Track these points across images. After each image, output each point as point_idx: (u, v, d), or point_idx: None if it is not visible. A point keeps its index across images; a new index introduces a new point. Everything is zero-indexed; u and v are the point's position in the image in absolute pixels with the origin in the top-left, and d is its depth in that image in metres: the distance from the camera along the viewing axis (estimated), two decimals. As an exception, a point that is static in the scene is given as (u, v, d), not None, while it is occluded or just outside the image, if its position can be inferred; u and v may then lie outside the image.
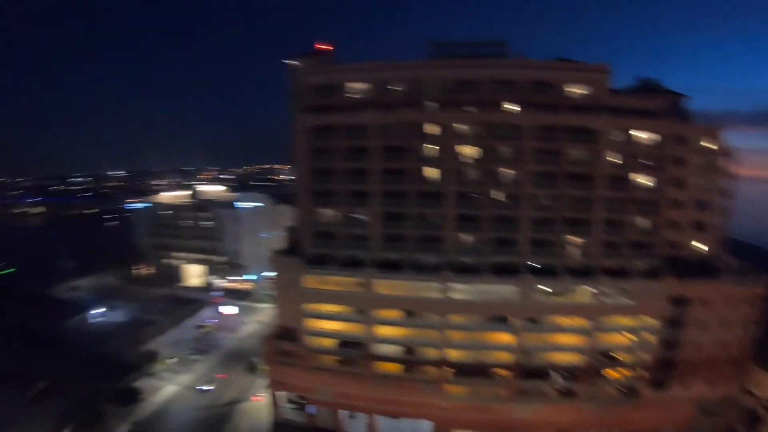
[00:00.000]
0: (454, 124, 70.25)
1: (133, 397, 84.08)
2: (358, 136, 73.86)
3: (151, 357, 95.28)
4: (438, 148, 71.31)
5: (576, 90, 71.36)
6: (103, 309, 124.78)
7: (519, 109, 69.76)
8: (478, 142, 70.21)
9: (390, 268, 73.48)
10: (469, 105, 70.55)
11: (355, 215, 77.62)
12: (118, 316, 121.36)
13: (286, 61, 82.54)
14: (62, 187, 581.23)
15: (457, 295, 70.48)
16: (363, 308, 74.69)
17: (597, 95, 70.62)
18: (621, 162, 70.01)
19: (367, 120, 72.83)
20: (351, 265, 75.72)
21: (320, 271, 76.80)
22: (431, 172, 72.41)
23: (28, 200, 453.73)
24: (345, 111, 74.92)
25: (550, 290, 70.47)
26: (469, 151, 70.90)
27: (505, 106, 70.89)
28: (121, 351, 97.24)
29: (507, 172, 70.91)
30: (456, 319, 71.41)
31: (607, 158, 69.64)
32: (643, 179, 70.95)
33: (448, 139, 70.31)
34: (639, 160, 70.18)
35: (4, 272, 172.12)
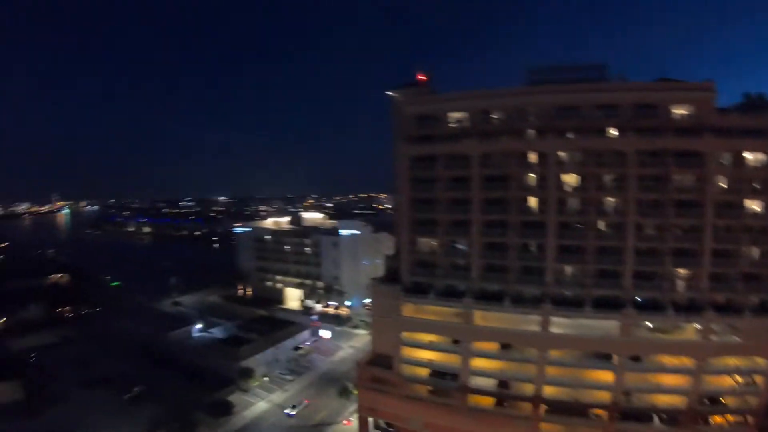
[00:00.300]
0: (555, 152, 71.61)
1: (225, 409, 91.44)
2: (459, 165, 77.08)
3: (246, 374, 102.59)
4: (539, 176, 72.95)
5: (680, 111, 69.96)
6: (204, 325, 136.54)
7: (621, 133, 69.76)
8: (580, 169, 71.31)
9: (489, 299, 75.28)
10: (570, 131, 71.63)
11: (454, 245, 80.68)
12: (218, 332, 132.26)
13: (388, 92, 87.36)
14: (171, 210, 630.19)
15: (556, 329, 70.86)
16: (459, 339, 76.70)
17: (703, 115, 68.62)
18: (731, 187, 67.95)
19: (467, 149, 76.06)
20: (449, 294, 78.26)
21: (418, 300, 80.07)
22: (532, 202, 74.14)
23: (139, 220, 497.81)
24: (445, 140, 78.53)
25: (653, 326, 69.42)
26: (570, 179, 72.11)
27: (607, 131, 71.15)
28: (217, 365, 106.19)
29: (610, 200, 71.09)
30: (554, 353, 71.68)
31: (716, 183, 67.81)
32: (755, 205, 68.31)
33: (549, 167, 71.69)
34: (751, 184, 67.63)
35: (112, 284, 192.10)
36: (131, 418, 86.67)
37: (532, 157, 73.56)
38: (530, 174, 73.89)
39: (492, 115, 77.61)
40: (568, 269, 73.27)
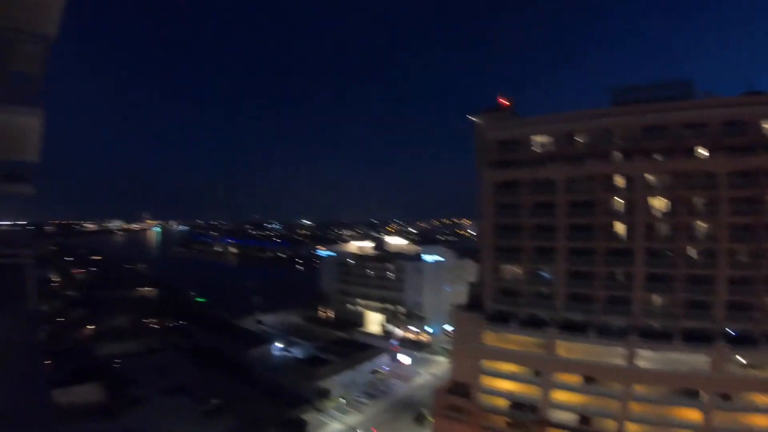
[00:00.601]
0: (643, 174, 72.24)
1: (299, 428, 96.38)
2: (543, 191, 79.49)
3: (323, 394, 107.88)
4: (626, 201, 73.76)
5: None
6: (285, 344, 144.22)
7: (711, 153, 69.16)
8: (669, 192, 71.33)
9: (573, 329, 76.23)
10: (658, 152, 71.88)
11: (538, 272, 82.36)
12: (298, 352, 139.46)
13: (470, 117, 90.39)
14: (257, 232, 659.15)
15: (642, 363, 70.63)
16: (541, 370, 77.97)
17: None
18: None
19: (551, 174, 78.43)
20: (532, 324, 79.98)
21: (500, 329, 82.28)
22: (619, 228, 74.92)
23: (226, 241, 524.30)
24: (529, 165, 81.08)
25: (746, 362, 67.50)
26: (658, 203, 72.39)
27: (696, 151, 70.77)
28: (295, 384, 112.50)
29: (701, 225, 70.51)
30: (639, 389, 71.14)
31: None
32: None
33: (637, 191, 72.44)
34: None
35: (197, 300, 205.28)
36: (206, 429, 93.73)
37: (619, 181, 74.63)
38: (617, 198, 74.75)
39: (576, 138, 79.24)
40: (656, 299, 72.94)
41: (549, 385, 76.34)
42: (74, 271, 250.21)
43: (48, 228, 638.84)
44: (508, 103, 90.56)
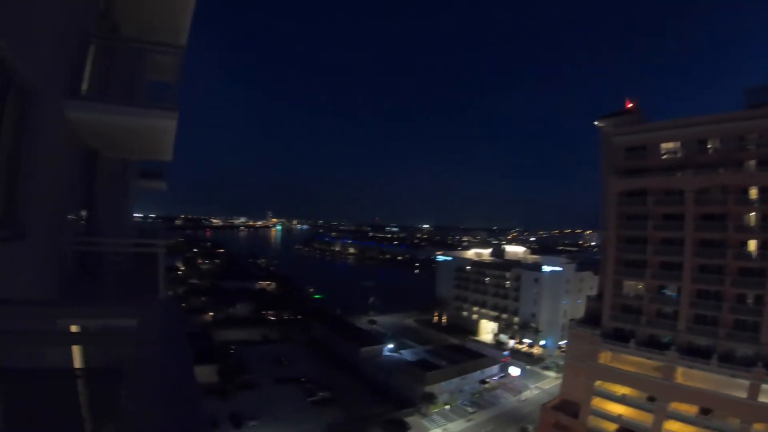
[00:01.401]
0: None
1: (401, 429, 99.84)
2: (672, 201, 76.85)
3: (429, 398, 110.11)
4: (760, 215, 69.91)
5: None
6: (396, 345, 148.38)
7: None
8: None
9: (695, 354, 72.97)
10: None
11: (663, 290, 79.67)
12: (408, 354, 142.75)
13: (596, 123, 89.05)
14: (377, 234, 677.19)
15: (766, 399, 65.97)
16: (655, 396, 75.26)
17: None
18: None
19: (680, 184, 75.53)
20: (651, 345, 77.76)
21: (617, 348, 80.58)
22: (752, 245, 71.03)
23: (346, 241, 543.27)
24: (656, 173, 78.74)
25: None
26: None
27: None
28: (402, 386, 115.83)
29: None
30: (760, 428, 66.24)
31: None
32: None
33: (772, 205, 67.92)
34: None
35: (315, 296, 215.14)
36: (312, 418, 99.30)
37: (752, 193, 70.57)
38: (750, 213, 70.94)
39: (709, 145, 75.87)
40: (791, 329, 68.00)
41: (662, 413, 73.25)
42: (199, 261, 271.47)
43: (177, 221, 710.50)
44: (635, 107, 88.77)
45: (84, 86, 9.86)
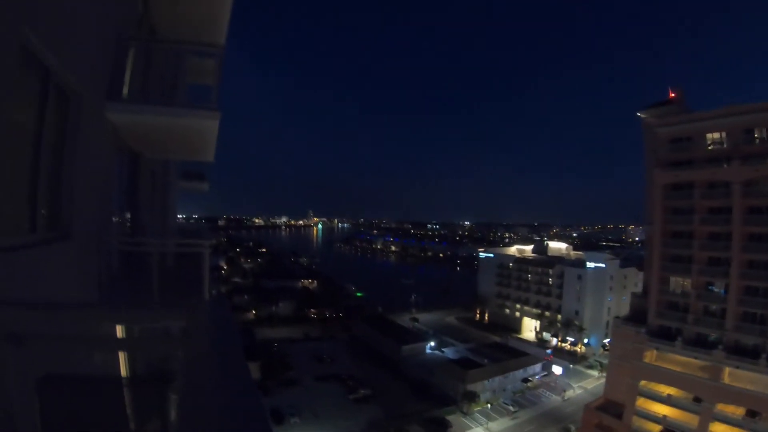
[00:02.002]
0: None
1: (442, 427, 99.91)
2: (719, 194, 75.09)
3: (470, 397, 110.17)
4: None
5: None
6: (437, 343, 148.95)
7: None
8: None
9: (742, 353, 71.20)
10: None
11: (710, 287, 77.87)
12: (450, 352, 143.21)
13: (639, 114, 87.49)
14: (418, 231, 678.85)
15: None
16: (701, 397, 73.75)
17: None
18: None
19: (726, 175, 73.77)
20: (698, 344, 75.97)
21: (663, 346, 79.15)
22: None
23: (387, 239, 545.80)
24: (702, 165, 76.89)
25: None
26: None
27: None
28: (443, 384, 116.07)
29: None
30: None
31: None
32: None
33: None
34: None
35: (356, 294, 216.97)
36: (352, 415, 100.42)
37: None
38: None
39: (755, 134, 73.47)
40: None
41: (708, 415, 71.61)
42: (241, 260, 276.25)
43: (220, 222, 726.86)
44: (678, 96, 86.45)
45: (125, 90, 10.38)
